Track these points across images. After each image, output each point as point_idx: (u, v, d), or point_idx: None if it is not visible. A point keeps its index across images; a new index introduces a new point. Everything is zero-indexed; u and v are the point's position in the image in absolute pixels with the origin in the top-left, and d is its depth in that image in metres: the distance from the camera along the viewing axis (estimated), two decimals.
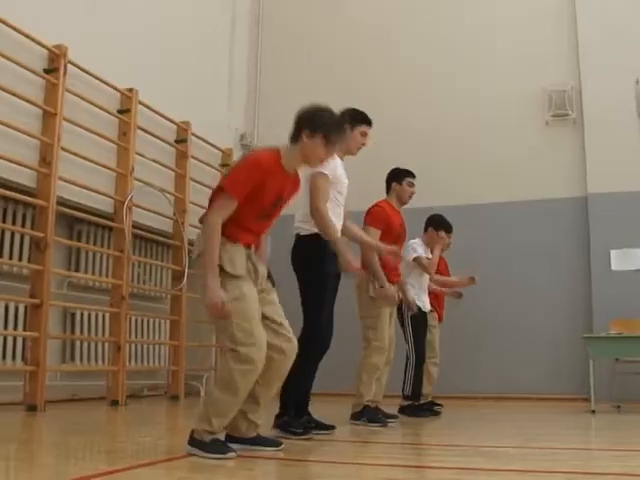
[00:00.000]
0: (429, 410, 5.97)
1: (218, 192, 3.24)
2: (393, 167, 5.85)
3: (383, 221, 5.28)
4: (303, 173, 4.04)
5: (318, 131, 3.45)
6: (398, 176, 5.70)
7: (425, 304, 6.02)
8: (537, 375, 7.76)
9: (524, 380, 7.74)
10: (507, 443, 4.05)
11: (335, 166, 4.41)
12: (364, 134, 4.89)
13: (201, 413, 3.21)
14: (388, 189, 5.69)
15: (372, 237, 5.04)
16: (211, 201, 3.27)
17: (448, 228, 6.30)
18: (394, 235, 5.31)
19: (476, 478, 2.80)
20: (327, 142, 3.49)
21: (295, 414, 4.17)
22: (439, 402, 6.35)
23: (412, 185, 5.72)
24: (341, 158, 4.65)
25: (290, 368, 3.45)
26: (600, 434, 5.07)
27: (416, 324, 5.90)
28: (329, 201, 4.33)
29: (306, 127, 3.45)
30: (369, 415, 4.90)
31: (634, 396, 6.91)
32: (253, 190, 3.23)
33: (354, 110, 4.91)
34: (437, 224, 6.28)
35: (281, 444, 3.43)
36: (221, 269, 3.20)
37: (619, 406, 6.66)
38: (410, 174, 5.75)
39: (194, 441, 3.18)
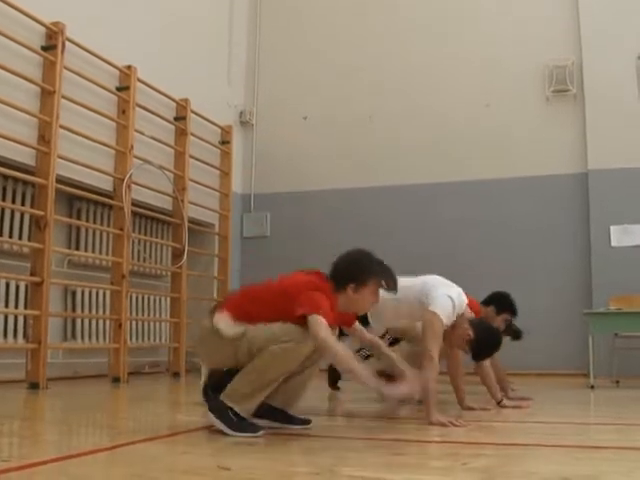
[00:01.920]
0: None
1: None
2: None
3: None
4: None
5: (370, 279, 3.30)
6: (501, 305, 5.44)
7: None
8: (536, 351, 7.77)
9: (523, 356, 7.74)
10: (507, 418, 4.07)
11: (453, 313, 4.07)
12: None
13: (246, 386, 3.12)
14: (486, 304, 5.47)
15: None
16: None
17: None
18: None
19: (476, 452, 2.82)
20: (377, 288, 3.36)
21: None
22: None
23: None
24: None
25: None
26: (599, 409, 5.10)
27: None
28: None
29: (353, 281, 3.28)
30: None
31: (633, 371, 6.95)
32: None
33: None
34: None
35: (309, 422, 3.42)
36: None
37: (618, 381, 6.70)
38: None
39: (222, 413, 3.10)
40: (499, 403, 4.48)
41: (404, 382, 3.04)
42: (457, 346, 4.11)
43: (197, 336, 3.35)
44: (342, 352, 3.06)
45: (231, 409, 3.09)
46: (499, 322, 5.33)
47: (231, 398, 3.11)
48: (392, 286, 3.38)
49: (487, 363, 4.53)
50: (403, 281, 3.81)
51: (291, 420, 3.37)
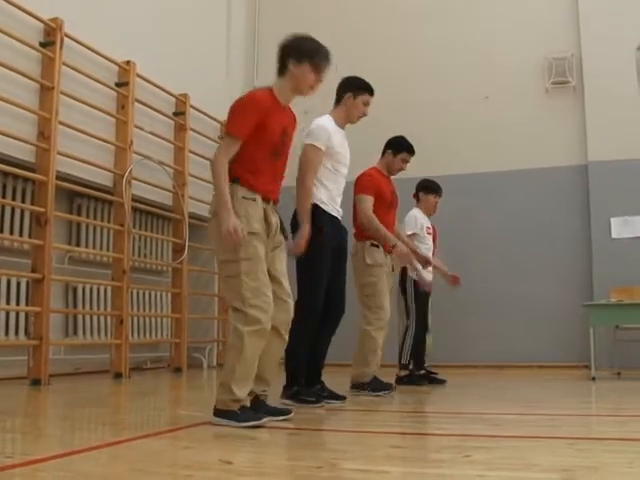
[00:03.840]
0: (426, 379, 5.94)
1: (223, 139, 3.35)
2: (399, 134, 5.77)
3: (373, 188, 5.25)
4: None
5: (304, 58, 3.55)
6: (396, 147, 5.64)
7: (427, 276, 6.03)
8: (538, 343, 7.79)
9: (525, 348, 7.78)
10: (508, 410, 4.08)
11: (329, 135, 4.46)
12: (366, 103, 4.86)
13: (222, 382, 3.22)
14: (383, 154, 5.66)
15: (365, 204, 5.12)
16: None
17: (437, 190, 6.55)
18: (386, 203, 5.30)
19: (477, 444, 2.82)
20: (315, 68, 3.60)
21: (306, 383, 4.19)
22: (435, 372, 6.33)
23: (405, 162, 5.65)
24: (342, 127, 4.69)
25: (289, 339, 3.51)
26: (600, 400, 5.11)
27: (418, 295, 5.91)
28: (327, 173, 4.36)
29: (292, 56, 3.54)
30: (372, 385, 4.92)
31: (634, 363, 6.95)
32: (257, 129, 3.31)
33: (357, 78, 4.95)
34: (426, 188, 6.54)
35: (290, 412, 3.45)
36: None
37: (619, 373, 6.71)
38: (409, 151, 5.66)
39: (221, 412, 3.20)
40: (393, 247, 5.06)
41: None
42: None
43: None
44: (222, 179, 3.22)
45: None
46: (399, 163, 5.67)
47: (225, 390, 3.19)
48: (324, 67, 3.72)
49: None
50: None
51: (274, 412, 3.41)
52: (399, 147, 5.62)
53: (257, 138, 3.31)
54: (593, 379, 6.10)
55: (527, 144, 8.28)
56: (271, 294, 3.24)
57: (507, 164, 8.29)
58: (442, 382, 5.89)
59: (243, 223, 3.22)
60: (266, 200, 3.39)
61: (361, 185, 5.27)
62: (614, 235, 7.77)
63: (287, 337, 3.47)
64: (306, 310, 4.09)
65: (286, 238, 3.57)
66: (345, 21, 9.25)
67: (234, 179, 3.29)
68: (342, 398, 4.31)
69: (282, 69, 3.56)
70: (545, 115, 8.34)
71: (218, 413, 3.21)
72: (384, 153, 5.65)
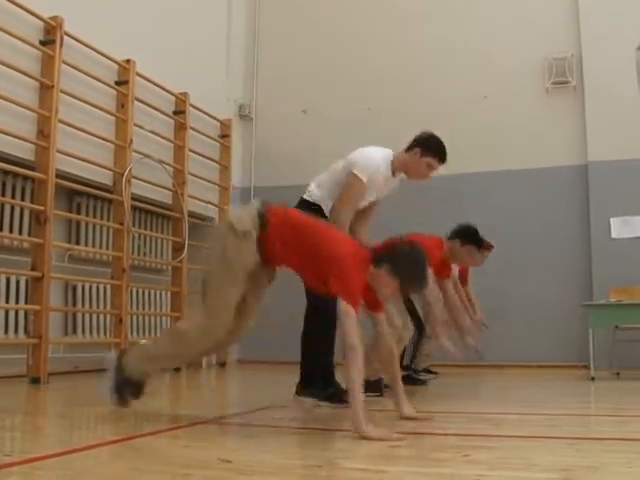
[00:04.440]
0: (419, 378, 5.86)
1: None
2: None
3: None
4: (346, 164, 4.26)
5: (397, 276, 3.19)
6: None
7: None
8: (537, 343, 7.79)
9: (524, 348, 7.78)
10: (508, 410, 4.08)
11: (377, 168, 4.32)
12: (430, 167, 4.44)
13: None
14: (450, 237, 5.47)
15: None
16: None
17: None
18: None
19: (477, 444, 2.82)
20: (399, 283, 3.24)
21: (323, 386, 4.16)
22: (435, 371, 6.30)
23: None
24: (394, 173, 4.49)
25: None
26: (600, 400, 5.11)
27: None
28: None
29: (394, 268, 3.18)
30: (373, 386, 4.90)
31: (633, 363, 6.95)
32: None
33: (434, 140, 4.48)
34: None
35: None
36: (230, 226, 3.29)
37: (618, 373, 6.70)
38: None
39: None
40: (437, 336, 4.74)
41: (384, 432, 2.86)
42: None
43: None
44: (359, 377, 2.93)
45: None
46: (464, 253, 5.45)
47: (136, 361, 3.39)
48: (413, 290, 3.41)
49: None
50: None
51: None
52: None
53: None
54: (592, 379, 6.10)
55: (527, 144, 8.27)
56: (231, 318, 3.29)
57: (507, 164, 8.29)
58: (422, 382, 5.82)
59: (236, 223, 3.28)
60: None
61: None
62: (614, 235, 7.77)
63: None
64: (315, 312, 4.09)
65: None
66: (345, 21, 9.25)
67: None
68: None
69: (378, 263, 3.19)
70: (545, 115, 8.34)
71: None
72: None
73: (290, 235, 3.25)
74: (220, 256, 3.30)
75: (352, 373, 2.90)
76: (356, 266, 3.13)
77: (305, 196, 4.50)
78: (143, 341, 3.55)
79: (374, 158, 4.36)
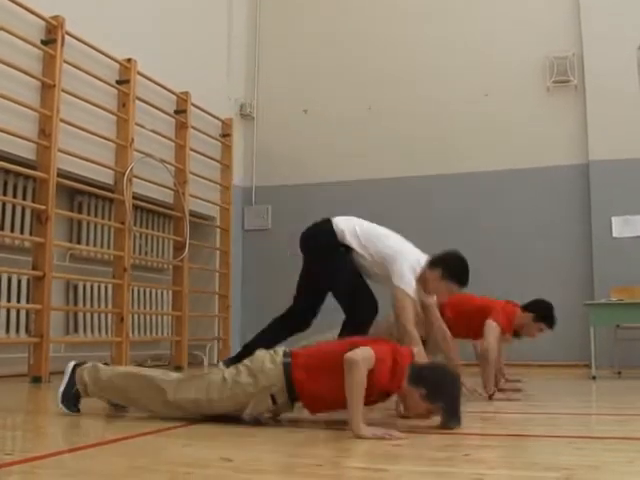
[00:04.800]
0: None
1: None
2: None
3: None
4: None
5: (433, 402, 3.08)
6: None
7: None
8: (538, 342, 7.73)
9: (525, 347, 7.75)
10: (508, 409, 4.08)
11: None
12: (451, 292, 4.31)
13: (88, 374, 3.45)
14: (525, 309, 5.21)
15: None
16: None
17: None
18: None
19: (477, 443, 2.82)
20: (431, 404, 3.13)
21: None
22: None
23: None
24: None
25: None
26: (601, 399, 5.10)
27: None
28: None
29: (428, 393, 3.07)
30: None
31: (635, 362, 6.95)
32: None
33: (457, 263, 4.28)
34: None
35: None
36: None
37: (620, 372, 6.70)
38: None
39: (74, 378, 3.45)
40: (490, 396, 4.45)
41: (380, 431, 2.85)
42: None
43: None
44: (360, 383, 2.92)
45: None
46: (533, 329, 5.17)
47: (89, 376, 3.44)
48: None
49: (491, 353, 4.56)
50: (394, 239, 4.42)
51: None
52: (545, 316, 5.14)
53: None
54: (593, 378, 6.10)
55: (528, 143, 8.27)
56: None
57: (508, 163, 8.29)
58: None
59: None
60: None
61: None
62: (615, 234, 7.77)
63: None
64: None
65: None
66: (346, 21, 9.24)
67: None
68: None
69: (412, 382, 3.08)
70: (546, 114, 8.33)
71: (74, 372, 3.49)
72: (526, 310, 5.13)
73: (313, 367, 3.15)
74: (231, 395, 3.18)
75: (354, 380, 2.90)
76: (392, 354, 3.08)
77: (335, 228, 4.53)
78: (102, 365, 3.53)
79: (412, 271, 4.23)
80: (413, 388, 3.06)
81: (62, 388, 3.47)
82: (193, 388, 3.24)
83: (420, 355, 3.70)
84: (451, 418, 3.07)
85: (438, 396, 3.04)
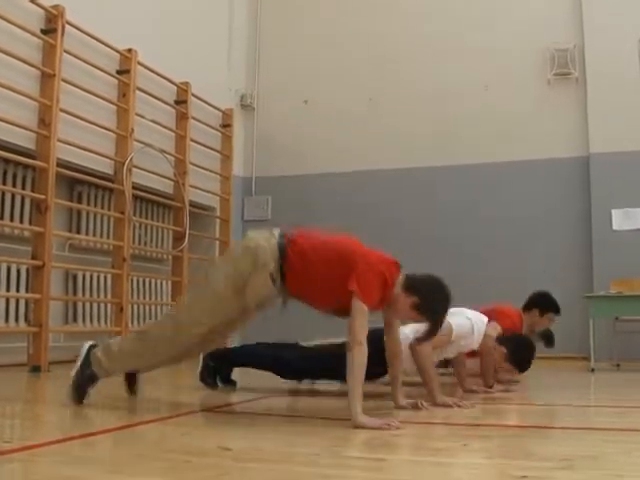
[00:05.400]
0: None
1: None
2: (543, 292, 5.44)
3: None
4: None
5: (426, 313, 3.20)
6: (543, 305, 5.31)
7: None
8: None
9: None
10: (507, 400, 4.09)
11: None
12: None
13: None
14: (527, 308, 5.32)
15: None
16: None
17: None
18: None
19: (476, 433, 2.83)
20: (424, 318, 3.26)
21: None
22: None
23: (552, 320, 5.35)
24: None
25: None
26: (599, 391, 5.12)
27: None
28: None
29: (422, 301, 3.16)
30: None
31: (634, 355, 6.96)
32: None
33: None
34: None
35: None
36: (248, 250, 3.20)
37: (618, 365, 6.71)
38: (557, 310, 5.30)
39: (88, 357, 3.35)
40: (490, 387, 4.48)
41: (379, 421, 2.88)
42: (499, 367, 4.25)
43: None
44: (360, 371, 2.96)
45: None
46: (545, 322, 5.32)
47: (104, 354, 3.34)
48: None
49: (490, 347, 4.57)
50: None
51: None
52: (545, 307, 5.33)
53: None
54: (592, 370, 6.11)
55: (529, 135, 8.26)
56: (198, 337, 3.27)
57: (508, 155, 8.27)
58: None
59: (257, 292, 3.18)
60: None
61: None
62: (615, 227, 7.76)
63: None
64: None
65: None
66: (347, 11, 9.21)
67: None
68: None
69: (408, 291, 3.18)
70: (547, 106, 8.31)
71: (88, 353, 3.36)
72: (530, 308, 5.31)
73: (309, 256, 3.16)
74: (230, 274, 3.20)
75: (355, 366, 2.93)
76: (380, 266, 3.12)
77: None
78: (111, 339, 3.51)
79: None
80: (405, 295, 3.14)
81: (75, 370, 3.37)
82: (197, 305, 3.26)
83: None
84: (432, 331, 3.21)
85: (428, 309, 3.14)
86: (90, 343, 3.42)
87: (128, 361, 3.39)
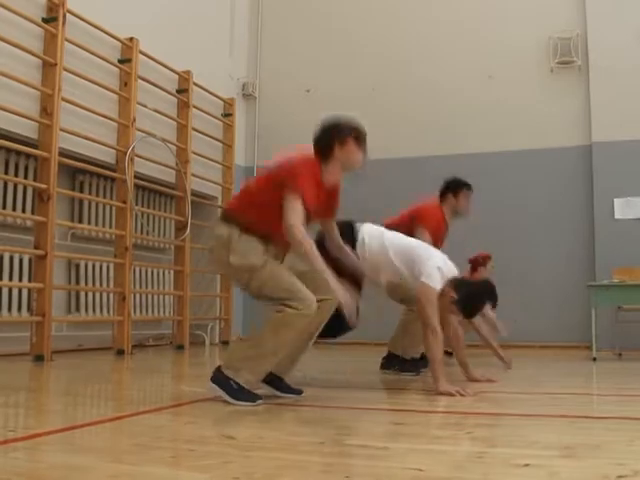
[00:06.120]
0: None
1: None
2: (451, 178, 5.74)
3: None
4: None
5: (348, 136, 3.51)
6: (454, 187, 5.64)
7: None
8: (540, 323, 7.80)
9: (527, 328, 7.78)
10: (510, 389, 4.09)
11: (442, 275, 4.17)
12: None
13: (247, 356, 3.21)
14: (442, 199, 5.62)
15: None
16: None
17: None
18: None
19: (479, 422, 2.83)
20: (359, 143, 3.55)
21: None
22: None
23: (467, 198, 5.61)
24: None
25: None
26: (601, 380, 5.11)
27: None
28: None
29: (335, 138, 3.50)
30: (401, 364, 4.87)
31: (636, 344, 6.96)
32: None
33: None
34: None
35: (302, 392, 3.47)
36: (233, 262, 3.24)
37: (620, 354, 6.71)
38: (467, 187, 5.67)
39: (220, 380, 3.18)
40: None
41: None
42: (447, 311, 4.13)
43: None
44: (309, 246, 3.16)
45: (232, 379, 3.15)
46: (463, 201, 5.66)
47: (230, 369, 3.17)
48: (363, 140, 3.62)
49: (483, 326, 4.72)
50: (393, 237, 4.28)
51: (287, 390, 3.45)
52: (456, 186, 5.66)
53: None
54: (594, 360, 6.11)
55: (531, 124, 8.23)
56: (304, 287, 3.20)
57: (511, 144, 8.26)
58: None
59: (247, 258, 3.23)
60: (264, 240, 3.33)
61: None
62: (617, 216, 7.75)
63: None
64: None
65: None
66: (349, 3, 9.18)
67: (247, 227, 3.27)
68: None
69: (326, 153, 3.53)
70: (550, 95, 8.29)
71: (217, 379, 3.19)
72: (444, 196, 5.63)
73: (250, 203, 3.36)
74: (242, 250, 3.26)
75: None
76: (306, 164, 3.41)
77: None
78: (232, 344, 3.42)
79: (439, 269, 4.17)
80: (331, 157, 3.51)
81: (230, 396, 3.17)
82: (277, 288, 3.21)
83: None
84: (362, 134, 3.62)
85: (345, 131, 3.55)
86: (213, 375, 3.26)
87: (266, 359, 3.22)
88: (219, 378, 3.19)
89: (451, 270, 4.11)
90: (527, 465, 1.98)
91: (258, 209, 3.29)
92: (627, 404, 3.53)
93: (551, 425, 2.77)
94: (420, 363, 4.89)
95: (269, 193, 3.29)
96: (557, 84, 8.30)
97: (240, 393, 3.14)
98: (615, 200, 7.77)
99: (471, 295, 4.06)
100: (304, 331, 3.24)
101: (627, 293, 6.38)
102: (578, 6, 8.25)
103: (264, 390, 3.33)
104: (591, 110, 8.03)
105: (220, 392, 3.16)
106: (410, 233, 4.74)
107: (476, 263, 6.62)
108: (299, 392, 3.47)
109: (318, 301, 3.19)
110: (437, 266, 4.01)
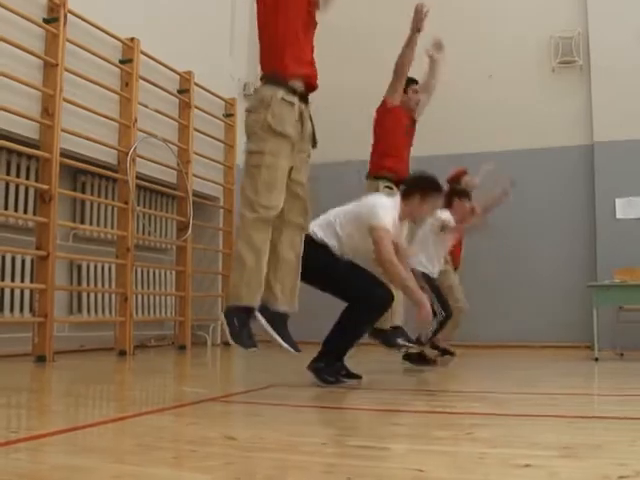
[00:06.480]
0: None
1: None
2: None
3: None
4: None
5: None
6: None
7: (433, 270, 5.76)
8: (541, 323, 7.80)
9: (528, 328, 7.79)
10: (511, 389, 4.09)
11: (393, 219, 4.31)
12: (434, 207, 4.73)
13: (232, 287, 3.32)
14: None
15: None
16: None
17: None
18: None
19: (480, 422, 2.84)
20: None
21: (334, 360, 4.13)
22: (453, 351, 6.12)
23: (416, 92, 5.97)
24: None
25: (346, 321, 3.93)
26: (603, 380, 5.12)
27: (430, 286, 5.64)
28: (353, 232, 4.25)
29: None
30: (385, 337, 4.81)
31: (637, 344, 6.96)
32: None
33: (428, 178, 4.67)
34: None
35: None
36: (268, 126, 3.35)
37: (622, 354, 6.71)
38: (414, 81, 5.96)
39: (230, 318, 3.28)
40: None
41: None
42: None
43: None
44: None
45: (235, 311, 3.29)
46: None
47: (231, 297, 3.33)
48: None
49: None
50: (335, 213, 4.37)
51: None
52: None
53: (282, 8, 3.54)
54: (596, 359, 6.11)
55: (533, 124, 8.24)
56: (282, 195, 3.36)
57: (512, 144, 8.26)
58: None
59: (277, 123, 3.35)
60: (304, 96, 3.51)
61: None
62: (619, 216, 7.76)
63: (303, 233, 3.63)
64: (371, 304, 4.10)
65: (315, 146, 3.64)
66: (350, 3, 9.16)
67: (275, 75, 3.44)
68: (358, 377, 4.15)
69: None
70: (551, 95, 8.29)
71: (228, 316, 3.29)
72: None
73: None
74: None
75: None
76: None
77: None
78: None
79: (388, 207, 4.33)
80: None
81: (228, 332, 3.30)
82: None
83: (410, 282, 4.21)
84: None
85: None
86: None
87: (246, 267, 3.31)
88: (226, 315, 3.29)
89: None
90: (528, 465, 1.98)
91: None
92: (629, 404, 3.53)
93: (552, 425, 2.77)
94: (399, 331, 4.86)
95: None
96: (558, 84, 8.31)
97: (238, 336, 3.26)
98: (617, 200, 7.78)
99: (413, 180, 4.59)
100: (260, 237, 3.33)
101: (628, 293, 6.38)
102: (579, 5, 8.26)
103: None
104: (593, 110, 8.03)
105: (225, 325, 3.28)
106: None
107: (451, 194, 6.04)
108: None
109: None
110: (374, 203, 4.23)
